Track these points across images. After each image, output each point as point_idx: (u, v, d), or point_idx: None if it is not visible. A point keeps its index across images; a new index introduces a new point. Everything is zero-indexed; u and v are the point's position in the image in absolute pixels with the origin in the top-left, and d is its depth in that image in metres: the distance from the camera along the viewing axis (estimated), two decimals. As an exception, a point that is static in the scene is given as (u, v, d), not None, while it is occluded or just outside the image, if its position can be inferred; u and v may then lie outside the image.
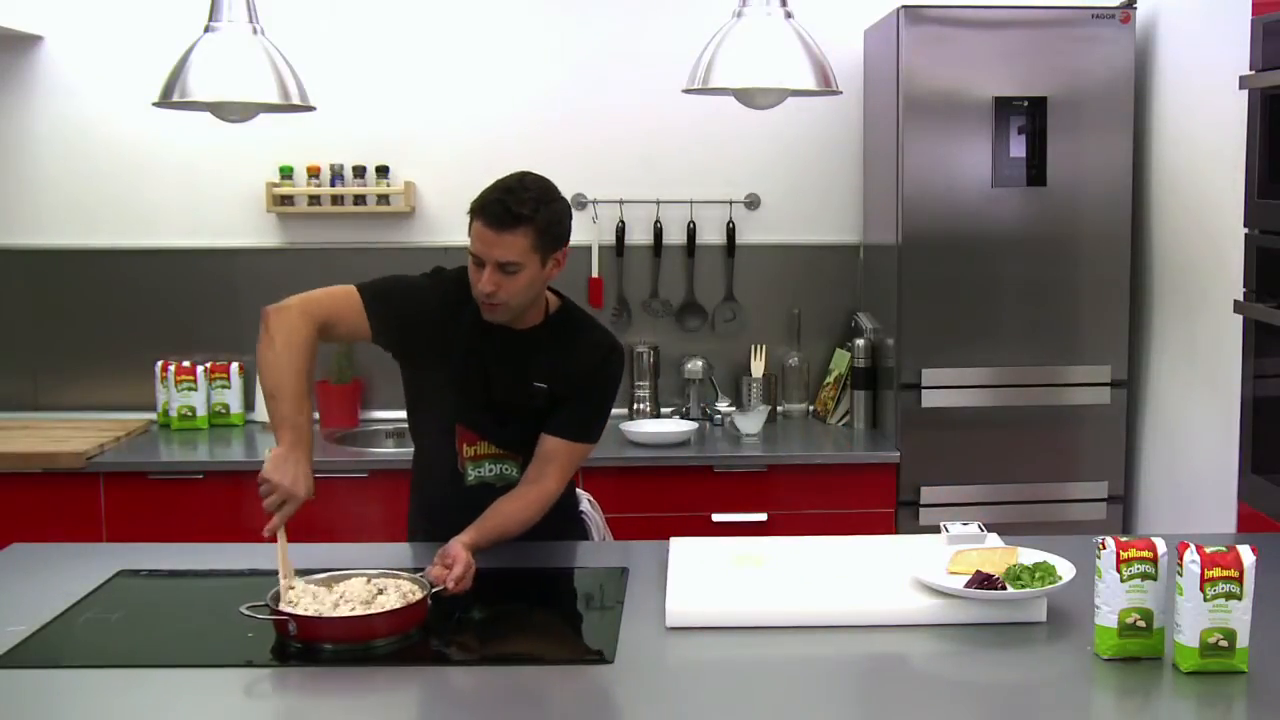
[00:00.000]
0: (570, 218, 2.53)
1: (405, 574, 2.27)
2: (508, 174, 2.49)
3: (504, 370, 2.58)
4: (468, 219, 2.46)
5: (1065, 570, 2.22)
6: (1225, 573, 1.92)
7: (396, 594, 2.20)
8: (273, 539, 2.25)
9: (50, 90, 4.23)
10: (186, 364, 4.15)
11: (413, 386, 2.69)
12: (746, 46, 2.56)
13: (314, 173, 4.23)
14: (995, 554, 2.30)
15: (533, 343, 2.59)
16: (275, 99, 2.79)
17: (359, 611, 2.13)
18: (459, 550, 2.33)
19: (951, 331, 3.85)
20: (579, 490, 2.86)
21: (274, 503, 2.27)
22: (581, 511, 2.84)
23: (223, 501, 3.73)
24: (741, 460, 3.86)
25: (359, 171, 4.25)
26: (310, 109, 2.91)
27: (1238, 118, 2.97)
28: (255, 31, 2.80)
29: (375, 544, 2.71)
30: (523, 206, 2.40)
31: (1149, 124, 3.84)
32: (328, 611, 2.13)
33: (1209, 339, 3.47)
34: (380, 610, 2.13)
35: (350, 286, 2.54)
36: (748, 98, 2.68)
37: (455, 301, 2.57)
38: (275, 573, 2.28)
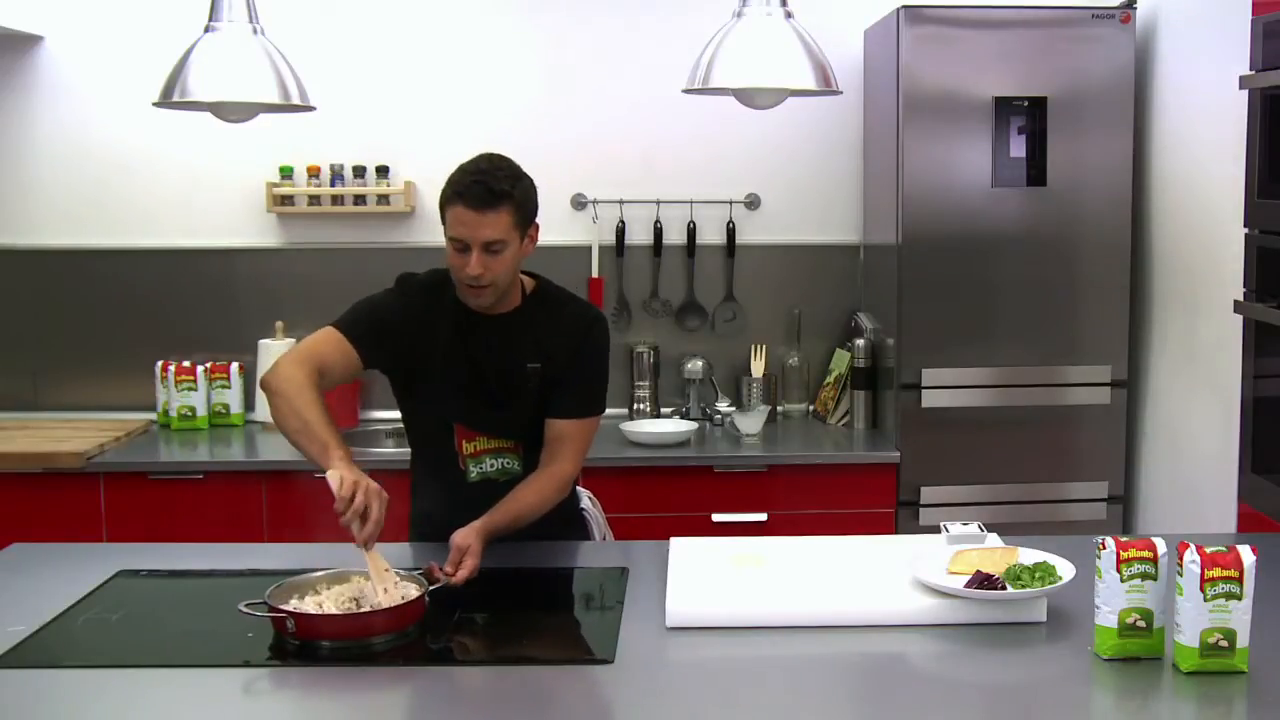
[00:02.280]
0: (537, 192, 2.56)
1: (403, 572, 2.27)
2: (469, 159, 2.51)
3: (494, 357, 2.59)
4: (440, 201, 2.48)
5: (1065, 570, 2.22)
6: (1225, 573, 1.92)
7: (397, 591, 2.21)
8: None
9: (50, 90, 4.23)
10: (186, 364, 4.15)
11: (406, 394, 2.69)
12: (746, 46, 2.56)
13: (314, 173, 4.23)
14: (995, 554, 2.30)
15: (516, 325, 2.60)
16: (275, 99, 2.78)
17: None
18: (473, 539, 2.34)
19: (951, 331, 3.85)
20: (579, 488, 2.86)
21: (378, 508, 2.22)
22: (582, 509, 2.84)
23: (223, 501, 3.73)
24: (741, 460, 3.86)
25: (359, 171, 4.25)
26: (310, 109, 2.91)
27: (1238, 118, 2.97)
28: (255, 31, 2.80)
29: (379, 544, 2.70)
30: (502, 184, 2.44)
31: (1149, 124, 3.84)
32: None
33: (1209, 339, 3.47)
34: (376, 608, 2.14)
35: (327, 327, 2.56)
36: (748, 98, 2.68)
37: (431, 301, 2.60)
38: (275, 572, 2.29)
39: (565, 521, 2.73)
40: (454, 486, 2.63)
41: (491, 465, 2.63)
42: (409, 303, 2.61)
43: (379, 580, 2.20)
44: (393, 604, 2.16)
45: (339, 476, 2.23)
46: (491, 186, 2.43)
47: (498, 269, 2.47)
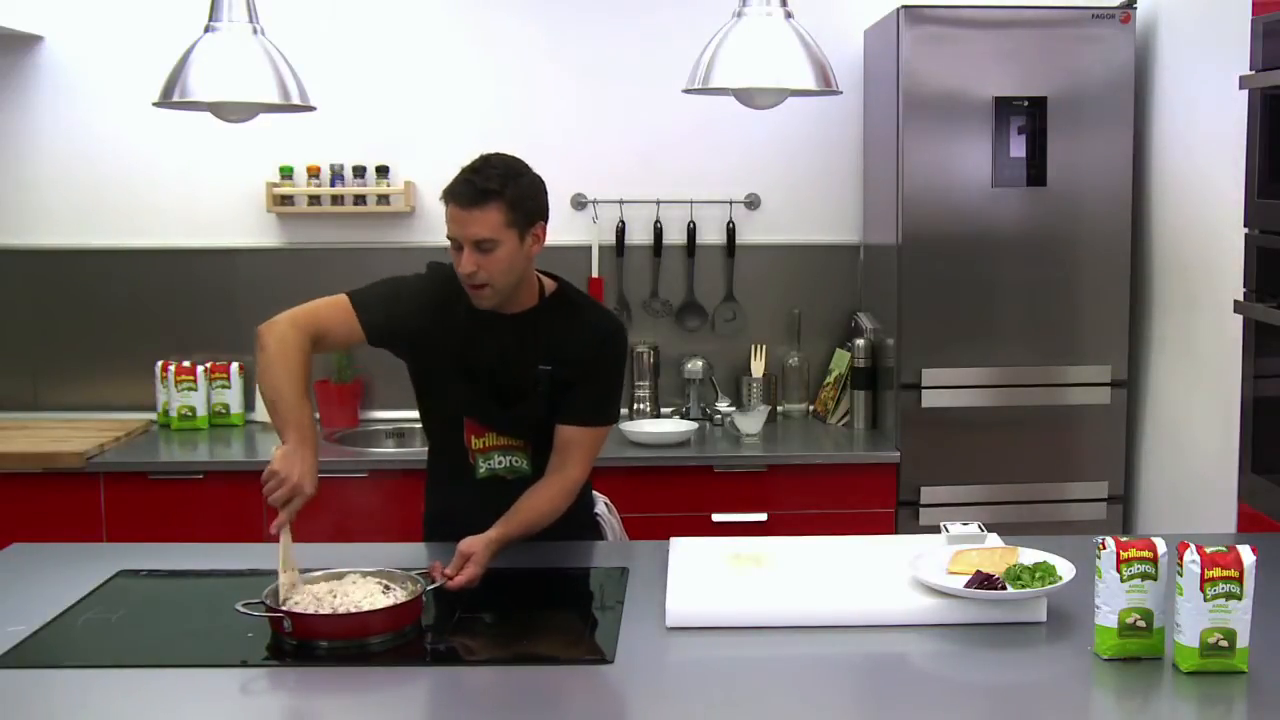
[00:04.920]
0: (544, 193, 2.54)
1: (400, 571, 2.27)
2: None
3: (506, 355, 2.58)
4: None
5: (1065, 570, 2.22)
6: (1225, 573, 1.92)
7: (392, 592, 2.21)
8: (276, 536, 2.24)
9: (50, 90, 4.23)
10: (186, 364, 4.15)
11: (418, 382, 2.70)
12: (746, 46, 2.56)
13: (314, 173, 4.23)
14: (995, 554, 2.30)
15: (531, 325, 2.59)
16: (275, 99, 2.78)
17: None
18: (479, 548, 2.34)
19: (951, 331, 3.84)
20: (594, 493, 2.86)
21: (281, 497, 2.25)
22: (597, 514, 2.84)
23: (223, 501, 3.73)
24: (741, 460, 3.86)
25: (359, 171, 4.25)
26: (310, 109, 2.91)
27: (1238, 118, 2.97)
28: (255, 31, 2.80)
29: (380, 544, 2.71)
30: (489, 182, 2.44)
31: (1149, 124, 3.84)
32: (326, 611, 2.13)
33: (1209, 339, 3.47)
34: (374, 608, 2.14)
35: (340, 295, 2.57)
36: (748, 98, 2.68)
37: (451, 292, 2.59)
38: (274, 573, 2.29)
39: (580, 526, 2.73)
40: (463, 483, 2.64)
41: (500, 463, 2.63)
42: (432, 291, 2.61)
43: (282, 565, 2.21)
44: (285, 593, 2.16)
45: (277, 458, 2.28)
46: (478, 185, 2.43)
47: (492, 267, 2.46)
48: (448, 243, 2.49)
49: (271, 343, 2.45)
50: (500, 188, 2.44)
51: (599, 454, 2.67)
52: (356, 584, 2.23)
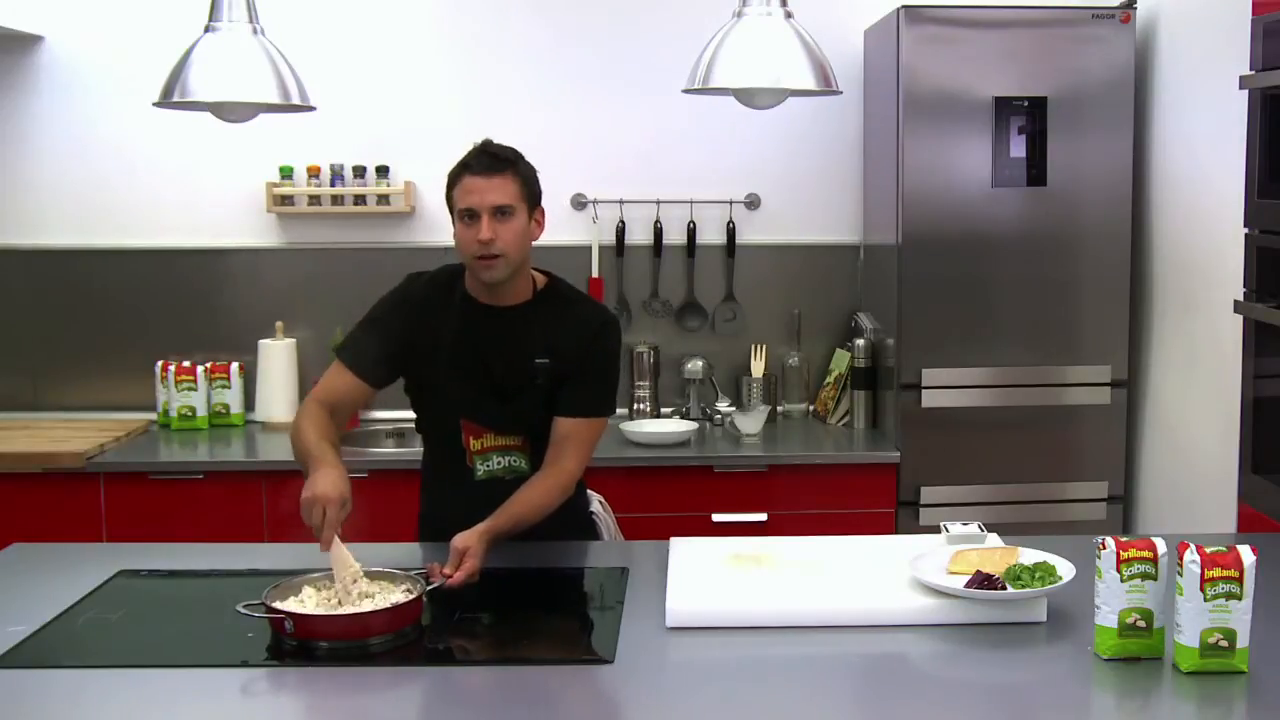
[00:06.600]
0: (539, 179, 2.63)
1: (399, 572, 2.27)
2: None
3: (501, 351, 2.59)
4: (447, 188, 2.56)
5: (1065, 570, 2.22)
6: (1225, 573, 1.92)
7: (401, 592, 2.22)
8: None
9: (50, 90, 4.23)
10: (186, 364, 4.15)
11: (415, 388, 2.70)
12: (746, 46, 2.56)
13: (314, 173, 4.23)
14: (995, 554, 2.30)
15: (525, 319, 2.60)
16: (275, 99, 2.78)
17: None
18: (473, 542, 2.34)
19: (951, 331, 3.84)
20: (589, 491, 2.86)
21: (316, 515, 2.27)
22: (592, 512, 2.84)
23: (223, 501, 3.73)
24: (741, 460, 3.86)
25: (359, 171, 4.25)
26: (310, 109, 2.91)
27: (1238, 118, 2.97)
28: (255, 31, 2.80)
29: (379, 544, 2.71)
30: (505, 152, 2.55)
31: (1149, 124, 3.84)
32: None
33: (1209, 339, 3.47)
34: (375, 608, 2.14)
35: (335, 361, 2.65)
36: (748, 98, 2.68)
37: (437, 297, 2.62)
38: (275, 572, 2.30)
39: (576, 526, 2.73)
40: (461, 485, 2.64)
41: (499, 463, 2.64)
42: (412, 302, 2.63)
43: (339, 573, 2.23)
44: (348, 599, 2.19)
45: (303, 490, 2.34)
46: (495, 153, 2.53)
47: (508, 237, 2.50)
48: (446, 242, 2.51)
49: (291, 432, 2.56)
50: (515, 159, 2.55)
51: (595, 449, 2.67)
52: (381, 586, 2.25)
